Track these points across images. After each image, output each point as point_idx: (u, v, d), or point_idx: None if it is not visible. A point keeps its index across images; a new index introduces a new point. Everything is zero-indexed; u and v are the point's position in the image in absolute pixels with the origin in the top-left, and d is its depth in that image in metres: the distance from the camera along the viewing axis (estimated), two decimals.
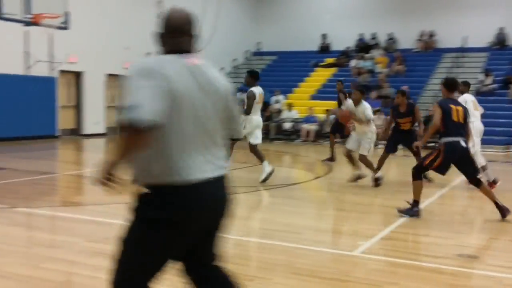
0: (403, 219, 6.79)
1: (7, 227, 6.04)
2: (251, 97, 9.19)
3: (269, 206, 7.80)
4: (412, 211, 6.90)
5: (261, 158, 9.29)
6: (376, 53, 23.84)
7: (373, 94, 19.77)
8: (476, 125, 8.84)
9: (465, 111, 7.00)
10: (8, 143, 15.02)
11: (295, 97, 22.00)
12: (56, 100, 17.59)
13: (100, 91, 19.64)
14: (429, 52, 24.01)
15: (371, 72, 22.30)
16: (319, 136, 18.72)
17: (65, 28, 13.75)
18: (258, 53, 27.49)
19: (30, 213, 6.89)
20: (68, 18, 13.59)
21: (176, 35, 2.65)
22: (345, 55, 24.65)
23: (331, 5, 26.40)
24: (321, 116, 19.22)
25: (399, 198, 8.51)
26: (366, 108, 9.06)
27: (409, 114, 9.44)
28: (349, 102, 9.46)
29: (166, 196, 2.48)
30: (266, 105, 20.54)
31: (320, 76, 23.86)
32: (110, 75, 19.78)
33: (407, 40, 24.58)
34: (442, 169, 6.91)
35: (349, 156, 9.40)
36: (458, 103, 7.12)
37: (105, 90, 19.88)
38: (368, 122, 9.09)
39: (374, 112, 12.02)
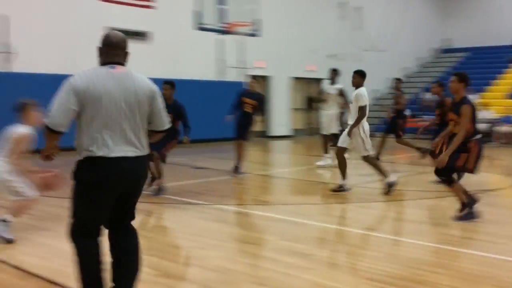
0: None
1: (208, 222, 6.52)
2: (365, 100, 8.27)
3: None
4: (467, 214, 6.41)
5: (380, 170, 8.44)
6: None
7: None
8: None
9: None
10: (204, 145, 16.25)
11: (490, 96, 20.36)
12: None
13: (285, 94, 20.31)
14: None
15: None
16: None
17: (255, 35, 14.47)
18: (448, 50, 26.02)
19: (227, 210, 7.36)
20: (259, 26, 14.26)
21: (111, 50, 3.50)
22: None
23: None
24: None
25: None
26: None
27: None
28: None
29: (94, 165, 3.37)
30: None
31: None
32: (295, 78, 20.34)
33: None
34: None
35: None
36: None
37: (290, 93, 20.50)
38: None
39: None
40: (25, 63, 13.52)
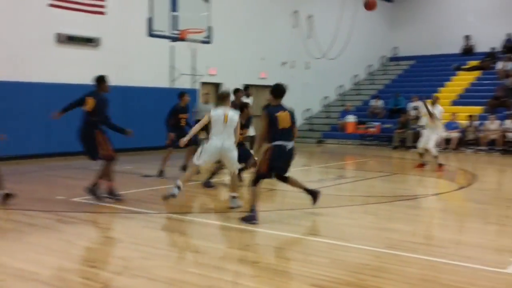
0: None
1: (154, 231, 6.43)
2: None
3: (409, 218, 7.47)
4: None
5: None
6: None
7: None
8: None
9: None
10: (152, 152, 16.05)
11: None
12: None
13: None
14: None
15: None
16: (461, 143, 17.68)
17: (207, 42, 14.44)
18: (395, 58, 26.71)
19: (177, 219, 7.27)
20: (211, 33, 14.25)
21: None
22: (491, 56, 23.06)
23: (474, 4, 24.91)
24: (464, 122, 18.14)
25: None
26: None
27: None
28: None
29: None
30: (402, 111, 19.86)
31: (463, 81, 22.56)
32: (247, 85, 20.39)
33: None
34: None
35: None
36: None
37: (243, 100, 20.52)
38: None
39: None
40: None
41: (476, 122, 17.99)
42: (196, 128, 8.03)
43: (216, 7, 16.31)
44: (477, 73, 22.70)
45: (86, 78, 15.77)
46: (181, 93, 11.72)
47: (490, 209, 8.17)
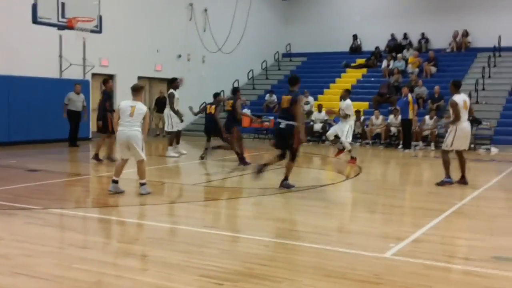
0: (435, 221, 6.65)
1: (41, 228, 6.14)
2: (455, 105, 9.17)
3: (299, 208, 7.73)
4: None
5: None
6: (408, 54, 23.53)
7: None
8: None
9: None
10: (44, 146, 15.29)
11: (325, 98, 21.84)
12: (90, 103, 17.87)
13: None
14: (462, 52, 23.59)
15: (403, 72, 21.99)
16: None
17: (98, 32, 13.93)
18: (288, 55, 27.41)
19: (63, 214, 6.99)
20: (101, 22, 13.77)
21: None
22: (376, 55, 24.38)
23: (361, 5, 26.16)
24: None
25: (431, 200, 8.36)
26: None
27: None
28: None
29: None
30: None
31: (350, 77, 23.66)
32: (142, 77, 19.99)
33: (440, 40, 24.19)
34: None
35: None
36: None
37: None
38: None
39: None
40: None
41: (363, 117, 18.95)
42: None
43: None
44: (364, 71, 23.91)
45: None
46: (105, 79, 12.21)
47: (375, 199, 8.65)
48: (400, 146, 17.14)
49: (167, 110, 13.33)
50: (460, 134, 9.21)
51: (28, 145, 15.15)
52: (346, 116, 12.63)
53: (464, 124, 9.29)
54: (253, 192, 8.67)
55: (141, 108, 8.06)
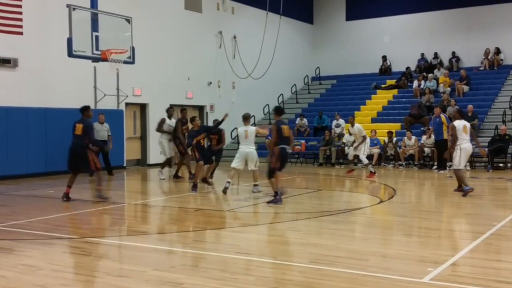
0: (474, 244, 6.50)
1: (78, 257, 6.23)
2: (453, 128, 11.02)
3: (333, 232, 7.67)
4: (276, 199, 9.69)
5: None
6: (439, 73, 23.31)
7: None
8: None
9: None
10: (80, 175, 15.57)
11: (356, 120, 21.69)
12: (124, 132, 18.22)
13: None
14: (494, 70, 23.25)
15: (434, 92, 21.76)
16: (382, 159, 18.40)
17: (131, 63, 14.28)
18: (317, 78, 27.47)
19: (100, 243, 7.09)
20: (133, 53, 14.12)
21: None
22: (407, 76, 24.24)
23: (389, 26, 26.16)
24: (384, 138, 18.90)
25: (468, 222, 8.18)
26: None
27: None
28: None
29: None
30: (326, 129, 20.43)
31: (381, 99, 23.53)
32: (173, 105, 20.27)
33: (471, 58, 23.95)
34: None
35: None
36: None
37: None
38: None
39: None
40: None
41: (395, 138, 18.77)
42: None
43: (139, 28, 16.21)
44: (394, 92, 23.76)
45: (4, 99, 15.28)
46: (193, 117, 13.10)
47: (411, 222, 8.53)
48: (435, 167, 16.90)
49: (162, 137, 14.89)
50: (464, 154, 10.81)
51: (65, 175, 15.43)
52: (364, 139, 14.65)
53: (467, 145, 10.85)
54: (284, 217, 8.63)
55: (252, 130, 11.20)
